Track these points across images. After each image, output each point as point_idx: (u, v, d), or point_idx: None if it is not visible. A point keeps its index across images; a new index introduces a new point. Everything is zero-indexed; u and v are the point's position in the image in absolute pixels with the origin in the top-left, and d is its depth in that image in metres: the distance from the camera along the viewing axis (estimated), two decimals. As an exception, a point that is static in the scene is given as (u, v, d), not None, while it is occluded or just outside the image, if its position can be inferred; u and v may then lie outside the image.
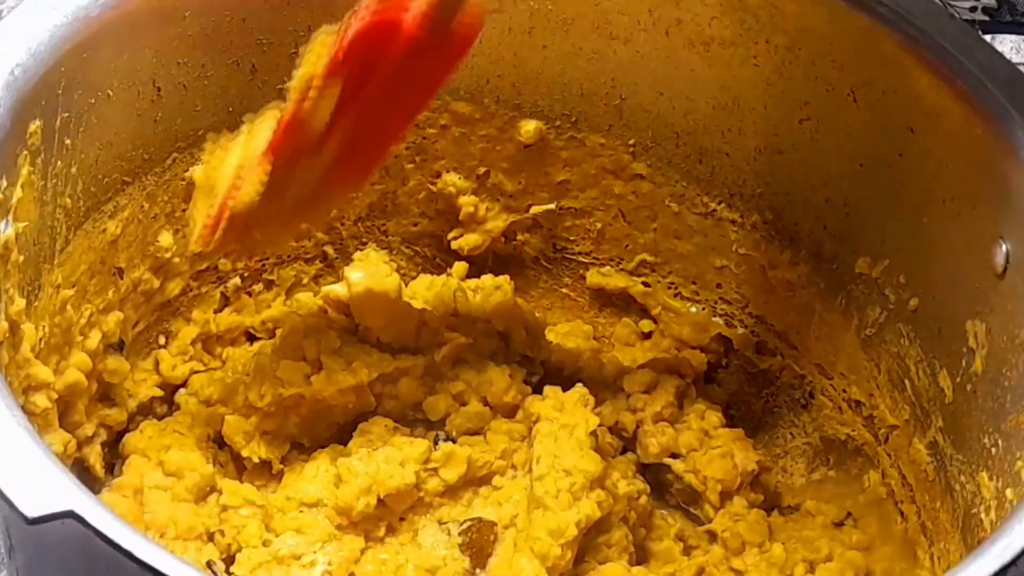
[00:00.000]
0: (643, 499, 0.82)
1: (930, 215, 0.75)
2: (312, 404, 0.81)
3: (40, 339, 0.71)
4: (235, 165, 0.72)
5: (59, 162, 0.70)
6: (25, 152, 0.67)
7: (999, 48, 1.07)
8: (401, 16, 0.68)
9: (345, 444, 0.82)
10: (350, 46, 0.68)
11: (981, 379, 0.72)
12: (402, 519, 0.81)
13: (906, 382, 0.79)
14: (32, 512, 0.52)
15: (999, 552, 0.54)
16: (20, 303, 0.68)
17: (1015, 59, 1.08)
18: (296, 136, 0.71)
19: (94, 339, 0.77)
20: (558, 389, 0.84)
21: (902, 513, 0.80)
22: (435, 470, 0.81)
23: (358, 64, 0.69)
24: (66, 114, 0.70)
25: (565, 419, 0.81)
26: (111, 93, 0.72)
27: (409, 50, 0.69)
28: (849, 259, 0.81)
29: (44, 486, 0.53)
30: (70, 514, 0.52)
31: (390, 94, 0.71)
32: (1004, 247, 0.69)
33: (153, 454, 0.79)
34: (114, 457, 0.81)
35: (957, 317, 0.74)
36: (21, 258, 0.68)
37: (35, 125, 0.68)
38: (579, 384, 0.84)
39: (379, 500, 0.79)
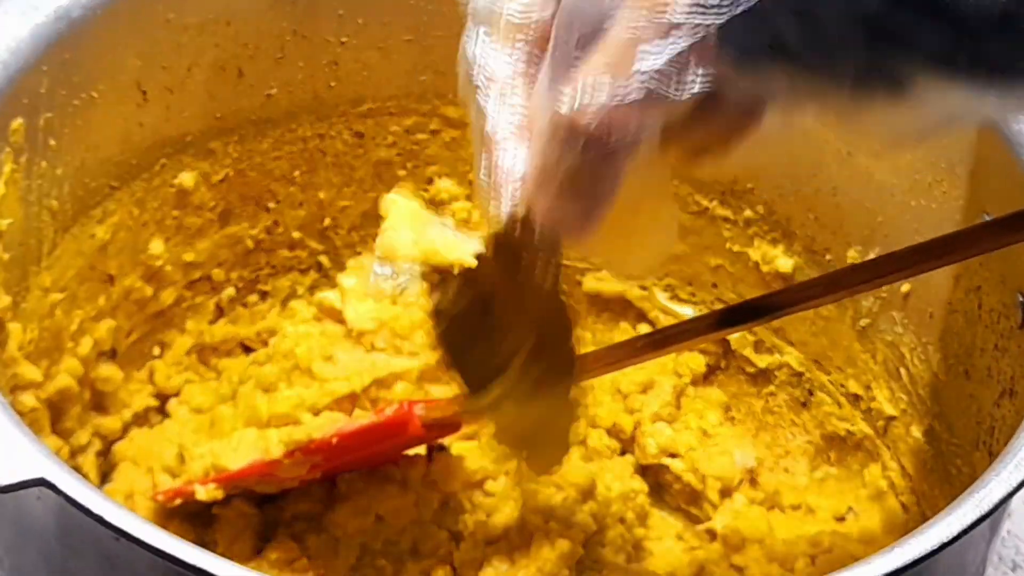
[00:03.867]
0: (640, 498, 0.81)
1: (917, 198, 0.75)
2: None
3: (29, 340, 0.71)
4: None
5: (44, 162, 0.70)
6: (8, 149, 0.67)
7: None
8: (407, 420, 0.72)
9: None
10: (345, 438, 0.72)
11: (973, 358, 0.71)
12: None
13: (901, 371, 0.78)
14: (3, 480, 0.51)
15: (977, 502, 0.53)
16: (6, 300, 0.68)
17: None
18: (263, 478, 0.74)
19: (85, 346, 0.77)
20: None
21: (903, 504, 0.79)
22: (433, 482, 0.80)
23: (347, 448, 0.73)
24: (49, 114, 0.70)
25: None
26: (95, 95, 0.72)
27: (398, 443, 0.74)
28: (841, 249, 0.80)
29: (15, 455, 0.52)
30: (41, 481, 0.51)
31: (362, 457, 0.75)
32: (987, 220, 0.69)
33: (143, 461, 0.79)
34: (109, 467, 0.80)
35: (948, 296, 0.73)
36: (6, 256, 0.68)
37: (17, 122, 0.68)
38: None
39: (376, 516, 0.78)
